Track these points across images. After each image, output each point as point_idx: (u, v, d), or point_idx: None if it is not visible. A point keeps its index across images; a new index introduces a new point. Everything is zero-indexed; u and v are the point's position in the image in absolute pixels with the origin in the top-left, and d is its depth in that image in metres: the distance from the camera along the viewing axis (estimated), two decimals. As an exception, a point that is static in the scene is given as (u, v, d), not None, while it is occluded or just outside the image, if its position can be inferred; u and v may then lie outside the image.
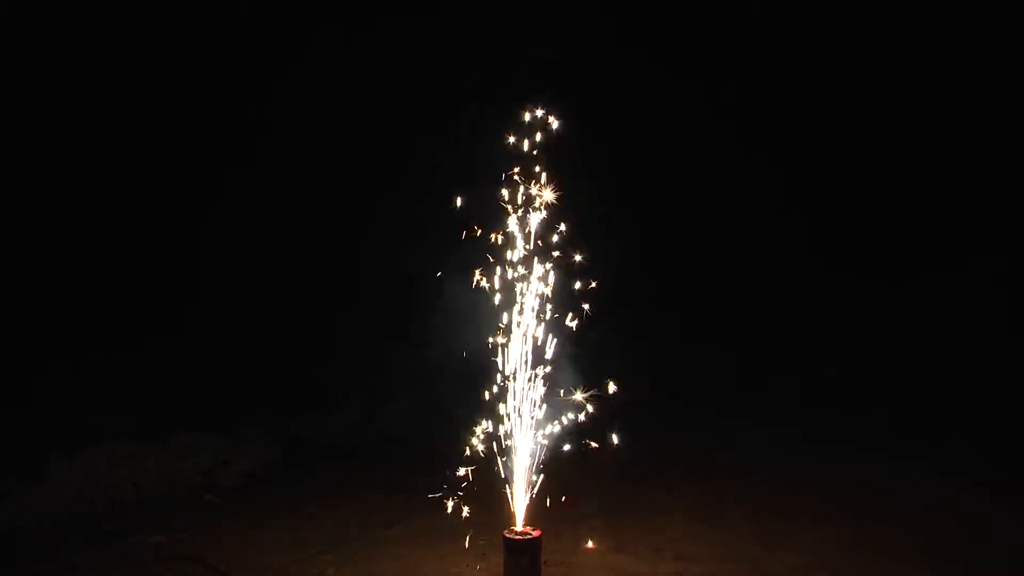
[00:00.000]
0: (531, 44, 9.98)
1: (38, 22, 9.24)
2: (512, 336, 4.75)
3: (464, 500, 5.23)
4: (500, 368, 4.78)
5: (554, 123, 4.71)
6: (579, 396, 4.74)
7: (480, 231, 4.72)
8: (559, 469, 5.05)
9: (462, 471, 4.88)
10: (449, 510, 5.18)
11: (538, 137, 4.72)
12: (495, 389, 4.81)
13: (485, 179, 4.81)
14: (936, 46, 11.23)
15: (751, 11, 11.35)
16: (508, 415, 4.79)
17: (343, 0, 10.78)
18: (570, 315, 4.78)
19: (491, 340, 4.78)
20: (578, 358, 4.92)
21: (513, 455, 4.81)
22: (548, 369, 4.83)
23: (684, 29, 11.73)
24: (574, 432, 4.90)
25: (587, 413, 4.79)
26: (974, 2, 10.89)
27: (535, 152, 4.72)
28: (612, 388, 4.65)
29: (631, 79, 11.20)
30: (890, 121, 11.70)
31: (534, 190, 4.70)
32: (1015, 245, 10.67)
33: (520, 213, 4.73)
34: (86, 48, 9.47)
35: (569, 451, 4.98)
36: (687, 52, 11.57)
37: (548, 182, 4.71)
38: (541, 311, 4.79)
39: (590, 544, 5.48)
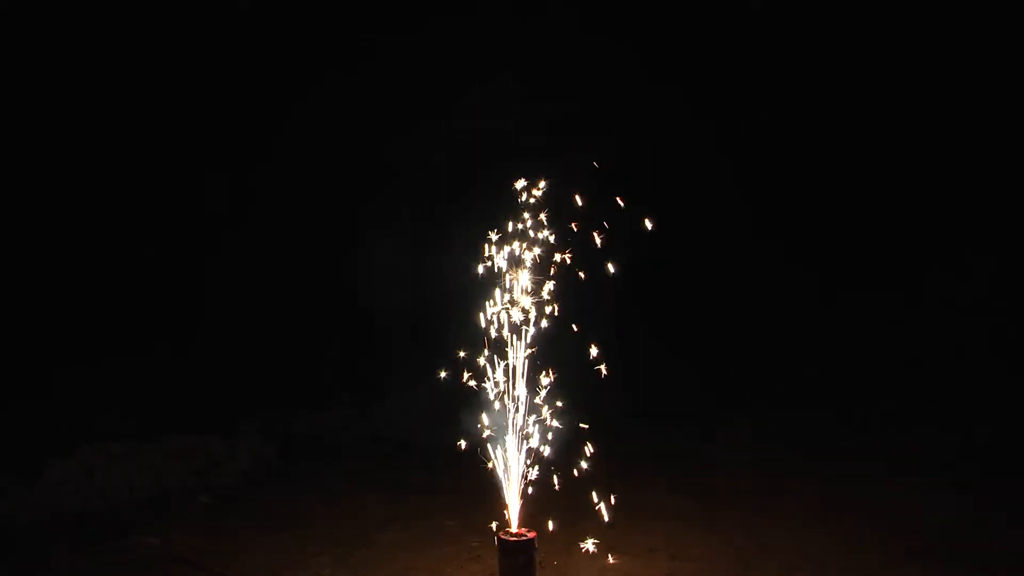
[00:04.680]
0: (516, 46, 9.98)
1: (52, 21, 9.20)
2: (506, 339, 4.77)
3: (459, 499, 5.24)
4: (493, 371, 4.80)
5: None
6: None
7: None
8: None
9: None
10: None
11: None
12: (489, 389, 4.83)
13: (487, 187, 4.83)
14: (910, 56, 11.34)
15: (752, 7, 11.35)
16: (502, 415, 4.81)
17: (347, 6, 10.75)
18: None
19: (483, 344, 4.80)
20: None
21: (507, 455, 4.83)
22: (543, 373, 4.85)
23: (661, 29, 11.70)
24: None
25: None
26: (954, 18, 11.00)
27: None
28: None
29: (620, 83, 11.18)
30: (864, 127, 11.76)
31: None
32: (1008, 247, 10.75)
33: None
34: (100, 50, 9.44)
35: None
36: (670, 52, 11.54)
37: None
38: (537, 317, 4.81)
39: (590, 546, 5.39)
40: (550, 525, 5.12)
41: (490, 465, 4.84)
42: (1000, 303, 10.68)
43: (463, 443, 4.95)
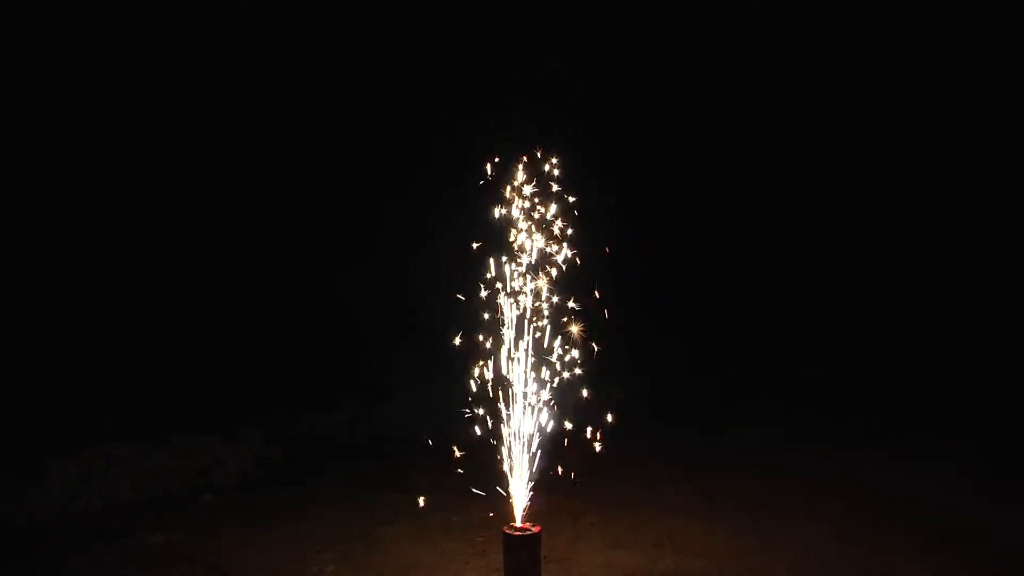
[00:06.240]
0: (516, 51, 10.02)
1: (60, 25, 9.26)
2: (507, 337, 4.77)
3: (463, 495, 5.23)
4: (496, 367, 4.80)
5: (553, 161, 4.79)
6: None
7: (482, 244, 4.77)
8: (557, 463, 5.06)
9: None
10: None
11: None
12: (491, 385, 4.83)
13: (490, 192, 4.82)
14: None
15: (752, 7, 11.42)
16: (506, 412, 4.81)
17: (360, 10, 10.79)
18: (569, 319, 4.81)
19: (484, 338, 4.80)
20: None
21: (512, 451, 4.83)
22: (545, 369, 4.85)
23: (660, 28, 11.76)
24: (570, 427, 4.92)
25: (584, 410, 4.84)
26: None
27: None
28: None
29: (610, 95, 11.23)
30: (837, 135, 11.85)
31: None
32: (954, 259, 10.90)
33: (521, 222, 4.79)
34: (107, 53, 9.48)
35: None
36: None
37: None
38: (538, 316, 4.82)
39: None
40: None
41: (495, 461, 4.85)
42: (999, 304, 10.74)
43: (466, 440, 4.95)
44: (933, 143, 11.37)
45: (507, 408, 4.80)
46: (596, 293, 4.89)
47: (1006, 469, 7.33)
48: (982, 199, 11.16)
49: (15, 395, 7.84)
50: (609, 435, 4.94)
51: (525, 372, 4.78)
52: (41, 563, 5.60)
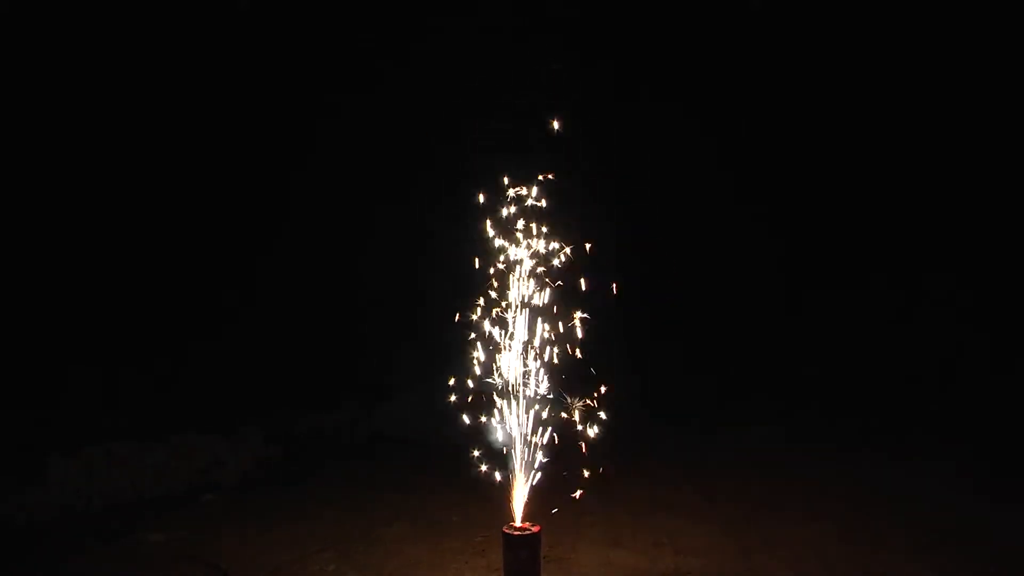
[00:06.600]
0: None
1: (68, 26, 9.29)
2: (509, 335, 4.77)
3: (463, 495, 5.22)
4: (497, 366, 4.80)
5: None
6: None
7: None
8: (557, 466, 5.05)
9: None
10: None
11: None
12: (492, 386, 4.83)
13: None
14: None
15: (752, 7, 11.43)
16: (506, 411, 4.80)
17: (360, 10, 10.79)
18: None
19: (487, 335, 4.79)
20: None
21: (512, 451, 4.82)
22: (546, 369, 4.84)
23: (660, 27, 11.78)
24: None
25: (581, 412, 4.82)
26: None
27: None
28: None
29: (610, 95, 11.23)
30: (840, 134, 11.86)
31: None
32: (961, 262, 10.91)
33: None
34: (109, 53, 9.50)
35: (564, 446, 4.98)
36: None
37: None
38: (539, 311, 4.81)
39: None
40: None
41: (494, 460, 4.84)
42: (999, 304, 10.74)
43: (466, 440, 4.94)
44: (933, 143, 11.36)
45: (507, 408, 4.80)
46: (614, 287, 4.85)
47: (1006, 469, 7.33)
48: (982, 199, 11.15)
49: (15, 395, 7.83)
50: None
51: (523, 371, 4.78)
52: (41, 563, 5.60)
